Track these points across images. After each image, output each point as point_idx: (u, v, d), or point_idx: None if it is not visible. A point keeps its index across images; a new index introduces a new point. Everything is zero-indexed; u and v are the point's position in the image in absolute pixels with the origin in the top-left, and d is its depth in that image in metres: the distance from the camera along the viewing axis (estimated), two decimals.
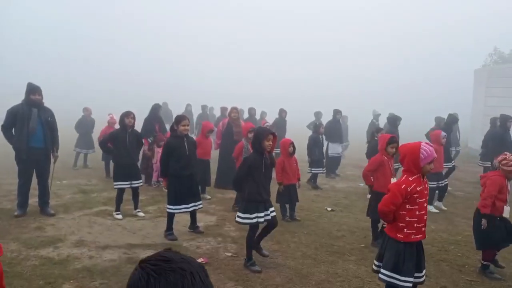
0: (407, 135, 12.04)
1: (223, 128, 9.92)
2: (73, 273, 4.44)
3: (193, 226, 6.13)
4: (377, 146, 8.80)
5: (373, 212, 5.79)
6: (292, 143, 7.01)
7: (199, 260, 4.92)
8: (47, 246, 5.21)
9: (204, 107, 16.16)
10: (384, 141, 5.88)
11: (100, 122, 12.66)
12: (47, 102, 6.73)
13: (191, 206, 5.90)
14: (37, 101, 6.46)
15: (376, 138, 9.17)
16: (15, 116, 6.37)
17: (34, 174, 6.68)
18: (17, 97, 6.61)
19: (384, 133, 8.76)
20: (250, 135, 7.92)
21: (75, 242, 5.45)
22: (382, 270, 3.53)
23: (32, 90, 6.45)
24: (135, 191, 6.97)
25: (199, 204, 6.03)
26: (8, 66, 44.72)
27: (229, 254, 5.27)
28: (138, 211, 6.99)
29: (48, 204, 6.80)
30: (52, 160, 6.81)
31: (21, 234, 5.63)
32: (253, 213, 4.82)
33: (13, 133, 6.45)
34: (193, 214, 6.11)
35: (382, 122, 14.80)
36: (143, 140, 9.32)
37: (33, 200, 6.89)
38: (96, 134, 12.40)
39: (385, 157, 5.83)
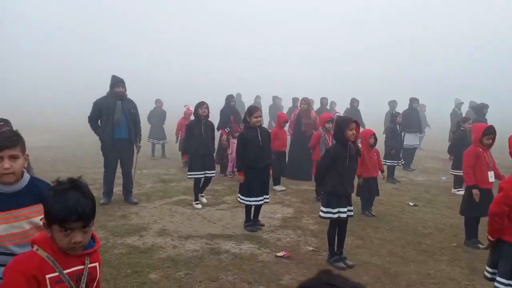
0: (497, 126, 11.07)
1: (295, 119, 9.78)
2: (158, 263, 4.51)
3: (255, 220, 5.93)
4: (463, 137, 8.20)
5: (467, 210, 5.34)
6: (374, 134, 6.66)
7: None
8: (132, 235, 5.37)
9: (275, 98, 16.07)
10: (479, 132, 5.34)
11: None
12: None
13: (260, 200, 5.79)
14: (120, 93, 6.68)
15: (462, 128, 8.52)
16: (101, 109, 6.64)
17: (119, 164, 6.94)
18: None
19: (472, 123, 8.10)
20: (328, 125, 7.68)
21: (158, 231, 5.57)
22: (498, 278, 3.16)
23: (116, 83, 6.68)
24: (208, 180, 7.01)
25: (268, 198, 5.90)
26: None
27: (311, 249, 5.10)
28: (202, 196, 7.01)
29: (131, 193, 7.05)
30: (135, 150, 7.04)
31: (108, 222, 5.86)
32: (335, 208, 4.60)
33: (99, 125, 6.73)
34: (258, 207, 5.96)
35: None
36: (221, 131, 9.48)
37: (117, 189, 7.18)
38: (168, 125, 12.82)
39: (480, 149, 5.31)
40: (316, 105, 13.69)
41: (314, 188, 7.87)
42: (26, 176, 2.35)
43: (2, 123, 3.79)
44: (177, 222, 6.04)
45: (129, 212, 6.42)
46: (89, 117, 6.77)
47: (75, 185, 1.77)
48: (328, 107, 13.72)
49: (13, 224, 2.29)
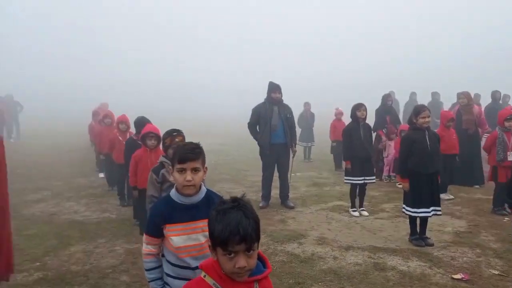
0: None
1: (455, 115, 8.66)
2: (320, 275, 4.33)
3: (422, 235, 5.27)
4: None
5: None
6: None
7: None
8: (291, 241, 5.32)
9: (434, 94, 14.68)
10: None
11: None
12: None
13: (431, 211, 5.15)
14: (277, 99, 6.78)
15: None
16: (259, 114, 6.83)
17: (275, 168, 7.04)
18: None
19: None
20: (508, 124, 6.58)
21: (317, 239, 5.41)
22: None
23: (273, 88, 6.79)
24: (363, 188, 6.59)
25: (439, 210, 5.21)
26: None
27: (496, 272, 4.34)
28: (363, 210, 6.60)
29: (288, 197, 7.09)
30: (291, 154, 7.07)
31: (267, 226, 5.93)
32: None
33: (257, 130, 6.93)
34: (424, 221, 5.30)
35: None
36: (377, 132, 8.98)
37: (274, 192, 7.28)
38: (317, 128, 12.71)
39: None
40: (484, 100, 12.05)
41: (492, 197, 6.81)
42: (203, 189, 2.37)
43: (175, 133, 4.01)
44: (335, 230, 5.81)
45: (287, 216, 6.42)
46: (248, 123, 7.02)
47: (238, 205, 1.63)
48: (500, 101, 11.97)
49: (191, 236, 2.32)
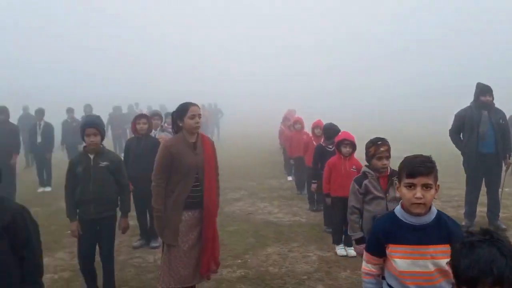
0: None
1: None
2: None
3: None
4: None
5: None
6: None
7: None
8: None
9: None
10: None
11: None
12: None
13: None
14: (487, 102, 5.90)
15: None
16: (463, 120, 6.06)
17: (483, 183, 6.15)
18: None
19: None
20: None
21: None
22: None
23: (482, 90, 5.94)
24: None
25: None
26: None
27: None
28: None
29: (498, 217, 6.10)
30: (503, 167, 6.07)
31: None
32: None
33: (461, 138, 6.17)
34: None
35: None
36: None
37: (479, 209, 6.35)
38: None
39: None
40: None
41: None
42: (434, 209, 2.09)
43: (380, 142, 3.62)
44: None
45: None
46: (450, 130, 6.31)
47: (490, 238, 1.34)
48: None
49: (417, 262, 2.05)
